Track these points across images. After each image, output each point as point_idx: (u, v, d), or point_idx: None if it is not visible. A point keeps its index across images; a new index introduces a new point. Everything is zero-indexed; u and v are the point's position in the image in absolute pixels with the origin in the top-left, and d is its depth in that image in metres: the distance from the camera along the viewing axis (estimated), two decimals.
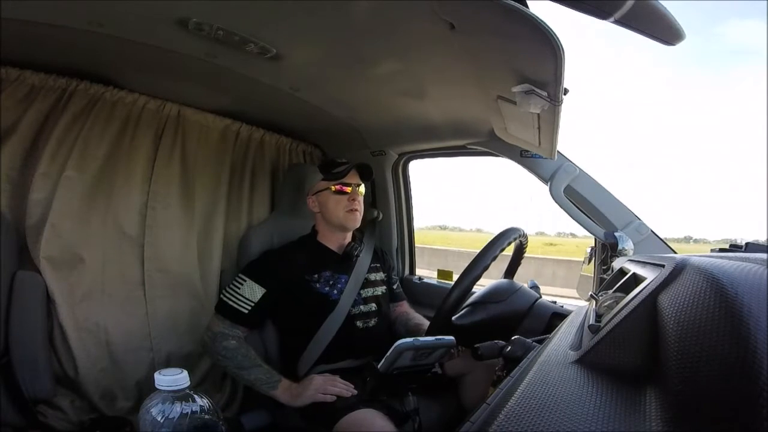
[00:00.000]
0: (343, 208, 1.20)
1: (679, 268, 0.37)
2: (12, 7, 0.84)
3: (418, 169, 1.74)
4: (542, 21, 0.58)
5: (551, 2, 0.56)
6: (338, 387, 1.03)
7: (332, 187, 1.20)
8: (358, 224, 1.25)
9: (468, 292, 0.96)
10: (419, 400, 0.89)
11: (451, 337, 0.81)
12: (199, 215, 1.45)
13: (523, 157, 1.23)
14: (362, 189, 1.26)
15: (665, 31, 0.59)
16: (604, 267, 1.14)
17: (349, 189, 1.21)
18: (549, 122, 0.84)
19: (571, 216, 1.15)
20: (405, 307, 1.37)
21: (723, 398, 0.22)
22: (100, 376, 1.25)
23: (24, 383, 1.07)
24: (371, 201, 1.67)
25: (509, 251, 1.13)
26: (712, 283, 0.29)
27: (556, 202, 1.15)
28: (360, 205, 1.23)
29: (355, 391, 1.03)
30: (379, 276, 1.31)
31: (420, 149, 1.58)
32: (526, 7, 0.58)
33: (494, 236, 1.00)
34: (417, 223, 1.74)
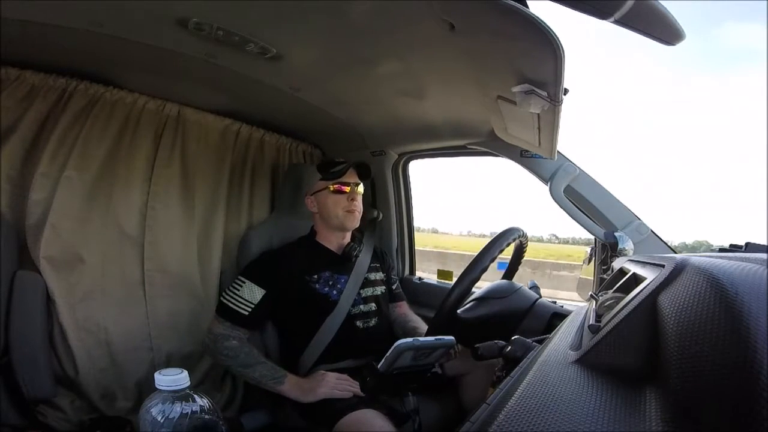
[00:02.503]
0: (342, 208, 1.20)
1: (679, 268, 0.37)
2: (12, 7, 0.84)
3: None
4: (542, 21, 0.58)
5: (551, 2, 0.56)
6: (353, 387, 1.03)
7: (330, 186, 1.20)
8: (357, 224, 1.24)
9: (468, 291, 0.96)
10: (419, 400, 0.89)
11: (451, 337, 0.81)
12: (199, 215, 1.45)
13: (523, 157, 1.23)
14: (361, 188, 1.25)
15: (665, 31, 0.59)
16: (604, 267, 1.14)
17: (347, 189, 1.21)
18: (549, 122, 0.84)
19: (571, 216, 1.15)
20: (404, 308, 1.36)
21: (723, 398, 0.22)
22: (100, 376, 1.25)
23: (24, 383, 1.06)
24: (371, 201, 1.67)
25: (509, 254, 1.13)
26: (712, 283, 0.29)
27: (556, 202, 1.15)
28: (359, 205, 1.23)
29: (361, 392, 1.03)
30: (379, 276, 1.31)
31: (420, 149, 1.58)
32: (526, 7, 0.58)
33: (494, 236, 1.00)
34: None
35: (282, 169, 1.64)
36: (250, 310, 1.12)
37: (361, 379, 0.82)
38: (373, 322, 1.21)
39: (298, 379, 1.08)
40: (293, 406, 1.07)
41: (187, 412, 0.54)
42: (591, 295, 0.69)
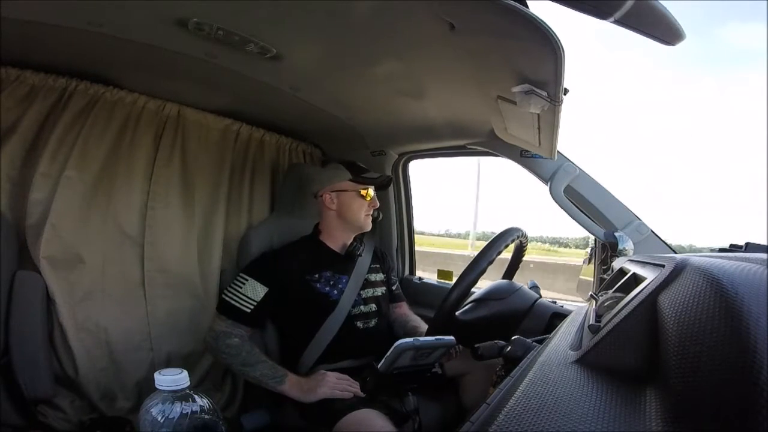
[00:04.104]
0: (364, 211, 1.23)
1: (679, 268, 0.37)
2: (12, 7, 0.84)
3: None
4: (542, 21, 0.58)
5: (551, 2, 0.56)
6: (354, 387, 1.03)
7: (362, 190, 1.22)
8: (370, 227, 1.27)
9: (468, 292, 0.96)
10: (419, 400, 0.89)
11: (451, 337, 0.81)
12: (199, 215, 1.45)
13: (523, 157, 1.23)
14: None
15: (665, 31, 0.59)
16: (604, 267, 1.14)
17: (371, 194, 1.24)
18: (549, 122, 0.84)
19: (571, 216, 1.15)
20: (404, 309, 1.37)
21: (723, 398, 0.22)
22: (100, 376, 1.25)
23: (24, 383, 1.06)
24: None
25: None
26: (712, 283, 0.29)
27: (556, 202, 1.15)
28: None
29: (362, 393, 1.02)
30: (379, 277, 1.31)
31: (420, 149, 1.58)
32: (526, 7, 0.58)
33: (494, 236, 1.00)
34: None
35: (282, 169, 1.64)
36: (252, 307, 1.12)
37: (361, 379, 0.82)
38: (373, 322, 1.21)
39: (299, 378, 1.08)
40: (293, 406, 1.07)
41: (187, 412, 0.54)
42: (591, 295, 0.69)
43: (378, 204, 1.27)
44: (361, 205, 1.23)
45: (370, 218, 1.26)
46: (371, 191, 1.25)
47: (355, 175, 1.24)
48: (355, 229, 1.26)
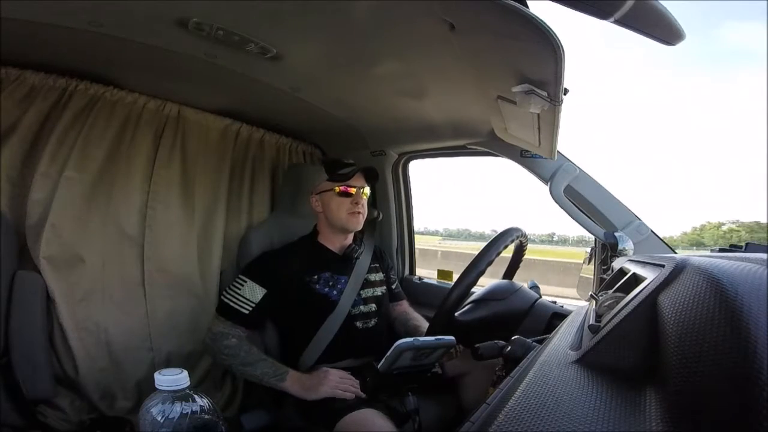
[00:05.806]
0: (345, 210, 1.19)
1: (679, 268, 0.37)
2: (12, 7, 0.84)
3: None
4: (542, 21, 0.58)
5: (551, 2, 0.56)
6: (355, 387, 1.02)
7: (336, 188, 1.19)
8: (360, 227, 1.24)
9: (468, 292, 0.96)
10: (419, 400, 0.89)
11: (451, 337, 0.81)
12: (199, 215, 1.45)
13: (523, 157, 1.23)
14: (367, 191, 1.24)
15: (665, 31, 0.59)
16: (604, 267, 1.14)
17: (353, 191, 1.20)
18: (549, 122, 0.84)
19: (571, 216, 1.15)
20: (405, 307, 1.37)
21: (723, 398, 0.22)
22: (100, 376, 1.25)
23: (24, 383, 1.06)
24: (371, 201, 1.67)
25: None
26: (712, 283, 0.29)
27: (556, 202, 1.15)
28: (364, 208, 1.22)
29: (363, 394, 1.02)
30: (379, 276, 1.31)
31: (420, 149, 1.58)
32: (526, 7, 0.58)
33: (494, 236, 1.00)
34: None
35: (282, 169, 1.64)
36: (250, 309, 1.12)
37: (361, 379, 0.83)
38: (372, 322, 1.21)
39: (301, 375, 1.07)
40: (293, 405, 1.07)
41: (187, 412, 0.54)
42: (591, 295, 0.69)
43: (362, 200, 1.20)
44: (340, 203, 1.19)
45: (359, 216, 1.20)
46: (354, 188, 1.20)
47: (331, 173, 1.21)
48: (341, 230, 1.22)
